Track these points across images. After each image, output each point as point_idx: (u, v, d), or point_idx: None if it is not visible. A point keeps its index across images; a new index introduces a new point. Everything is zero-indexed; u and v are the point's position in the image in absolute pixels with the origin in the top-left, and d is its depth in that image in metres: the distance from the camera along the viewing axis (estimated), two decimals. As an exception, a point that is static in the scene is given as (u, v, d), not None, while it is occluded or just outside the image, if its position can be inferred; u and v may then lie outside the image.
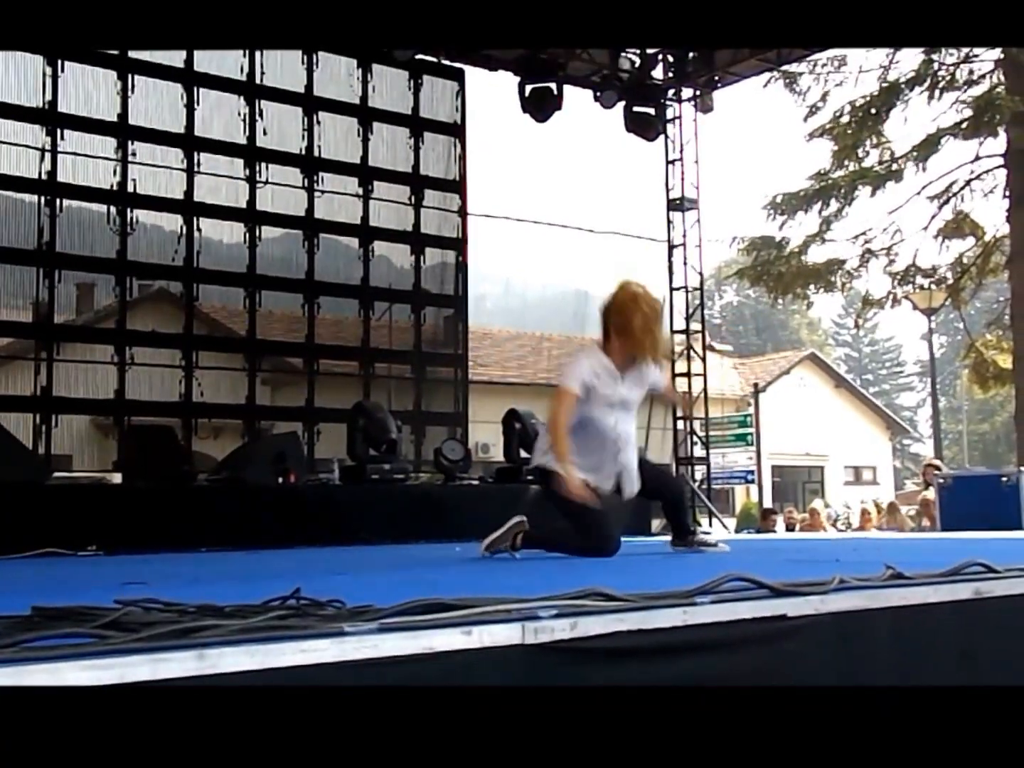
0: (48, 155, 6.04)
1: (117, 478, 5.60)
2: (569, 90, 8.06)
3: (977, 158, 11.55)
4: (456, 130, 7.55)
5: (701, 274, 9.30)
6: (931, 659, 1.70)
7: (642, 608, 1.44)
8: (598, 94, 8.14)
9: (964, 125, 11.13)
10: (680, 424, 9.22)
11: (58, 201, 6.08)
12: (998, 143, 11.41)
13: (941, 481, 6.67)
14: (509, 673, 1.28)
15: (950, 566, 1.91)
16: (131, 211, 6.29)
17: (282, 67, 6.84)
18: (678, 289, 9.18)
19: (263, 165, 6.74)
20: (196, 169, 6.50)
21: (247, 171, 6.69)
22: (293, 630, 1.19)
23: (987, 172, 11.63)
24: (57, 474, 5.77)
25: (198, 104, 6.52)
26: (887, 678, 1.62)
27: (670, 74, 8.62)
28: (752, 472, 17.29)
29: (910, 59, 11.26)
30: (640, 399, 3.43)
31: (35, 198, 6.05)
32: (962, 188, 11.63)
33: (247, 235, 6.69)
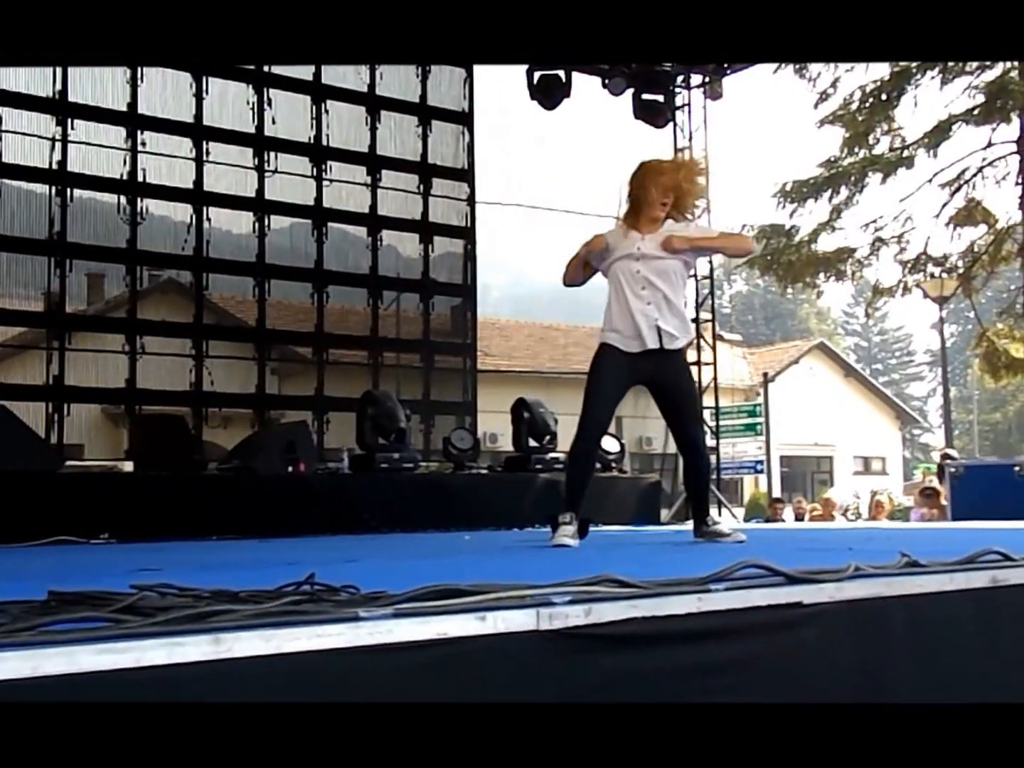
0: (59, 145, 6.04)
1: (128, 466, 5.62)
2: (577, 77, 8.00)
3: (990, 144, 11.44)
4: (464, 118, 7.51)
5: (711, 263, 9.27)
6: (947, 647, 1.69)
7: (656, 595, 1.44)
8: (607, 81, 8.08)
9: (976, 111, 11.02)
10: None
11: (68, 191, 6.08)
12: (1011, 129, 11.29)
13: (952, 470, 6.63)
14: (523, 658, 1.28)
15: (966, 554, 1.89)
16: (141, 200, 6.30)
17: (290, 55, 6.81)
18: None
19: (272, 154, 6.73)
20: (205, 158, 6.49)
21: (256, 160, 6.68)
22: (308, 615, 1.19)
23: (1000, 159, 11.52)
24: (69, 463, 5.80)
25: (207, 93, 6.51)
26: (903, 666, 1.62)
27: (680, 61, 8.55)
28: (761, 462, 17.27)
29: (922, 45, 11.12)
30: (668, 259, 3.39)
31: (46, 188, 6.06)
32: (974, 175, 11.52)
33: (256, 224, 6.69)
